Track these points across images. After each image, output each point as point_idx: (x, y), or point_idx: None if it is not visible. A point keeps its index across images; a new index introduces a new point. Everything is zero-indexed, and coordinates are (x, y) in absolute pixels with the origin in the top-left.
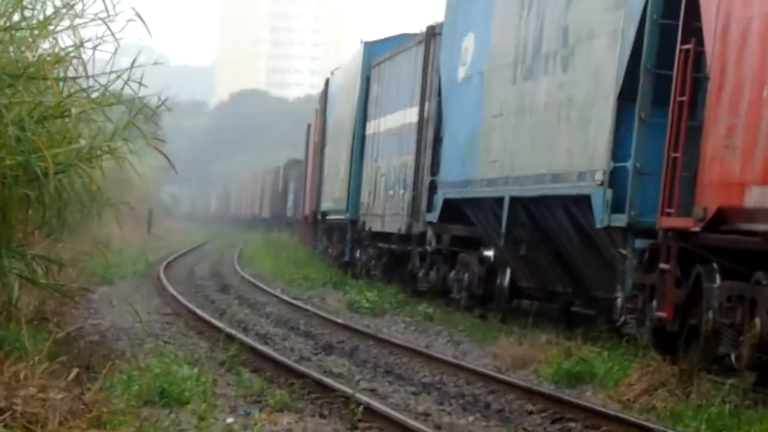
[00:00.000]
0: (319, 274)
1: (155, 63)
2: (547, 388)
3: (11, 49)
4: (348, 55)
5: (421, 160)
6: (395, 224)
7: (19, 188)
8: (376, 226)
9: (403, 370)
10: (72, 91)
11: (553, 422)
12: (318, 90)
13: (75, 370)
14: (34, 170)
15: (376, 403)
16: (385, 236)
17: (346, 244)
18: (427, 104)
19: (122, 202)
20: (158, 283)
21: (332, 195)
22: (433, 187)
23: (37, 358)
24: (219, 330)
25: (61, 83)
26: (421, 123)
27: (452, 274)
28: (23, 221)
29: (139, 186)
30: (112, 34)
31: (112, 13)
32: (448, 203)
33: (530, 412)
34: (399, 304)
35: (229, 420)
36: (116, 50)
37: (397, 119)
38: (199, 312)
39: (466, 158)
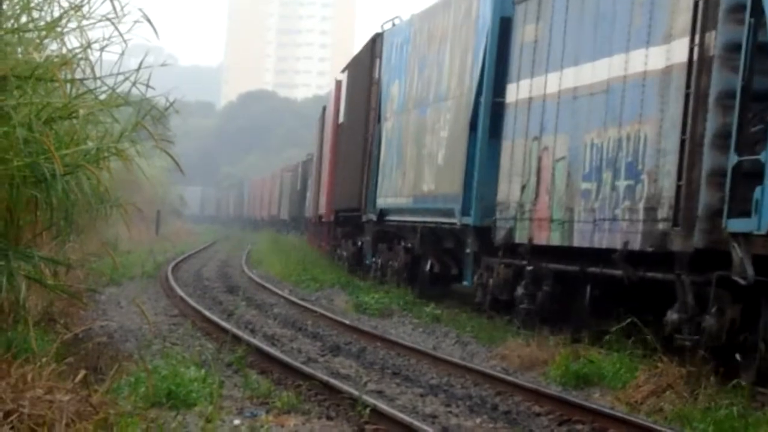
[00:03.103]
0: (327, 276)
1: (163, 64)
2: (554, 389)
3: (19, 50)
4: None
5: (695, 128)
6: (611, 236)
7: (27, 189)
8: (547, 238)
9: (410, 371)
10: (79, 92)
11: (561, 424)
12: (325, 90)
13: (82, 372)
14: (42, 171)
15: (383, 405)
16: (551, 252)
17: (466, 263)
18: (707, 35)
19: (130, 203)
20: (166, 284)
21: (413, 187)
22: (737, 174)
23: (44, 359)
24: (226, 331)
25: (68, 85)
26: (699, 66)
27: None
28: (31, 222)
29: (147, 187)
30: (120, 35)
31: (119, 14)
32: None
33: (538, 414)
34: (407, 306)
35: (236, 422)
36: (124, 51)
37: (605, 70)
38: (207, 313)
39: None
